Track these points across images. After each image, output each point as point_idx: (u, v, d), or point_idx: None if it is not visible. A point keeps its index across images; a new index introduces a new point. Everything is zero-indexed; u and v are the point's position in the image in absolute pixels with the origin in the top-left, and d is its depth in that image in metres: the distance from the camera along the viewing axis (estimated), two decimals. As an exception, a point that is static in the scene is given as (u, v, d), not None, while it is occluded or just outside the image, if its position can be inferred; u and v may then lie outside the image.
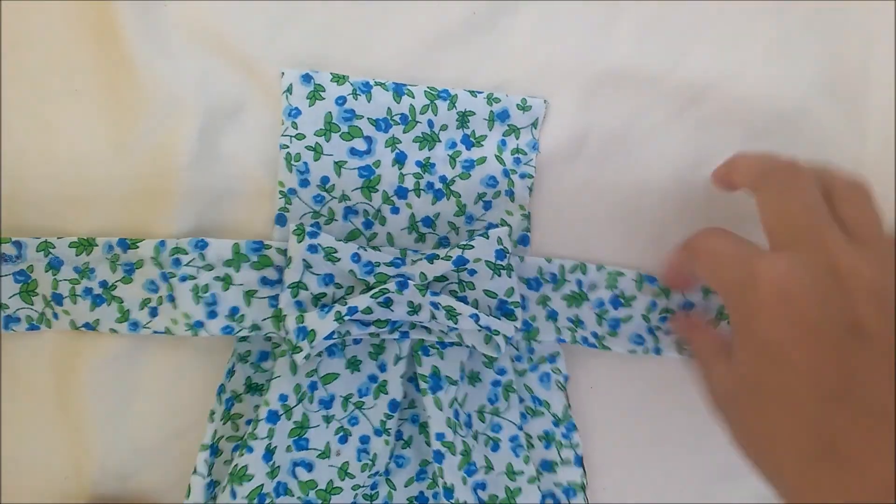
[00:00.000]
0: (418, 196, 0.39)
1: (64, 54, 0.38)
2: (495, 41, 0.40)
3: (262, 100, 0.39)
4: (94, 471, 0.39)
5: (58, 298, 0.37)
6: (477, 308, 0.37)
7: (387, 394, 0.38)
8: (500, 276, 0.37)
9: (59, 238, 0.37)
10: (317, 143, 0.38)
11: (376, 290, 0.35)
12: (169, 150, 0.38)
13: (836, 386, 0.28)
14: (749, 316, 0.30)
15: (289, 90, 0.38)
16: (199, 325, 0.37)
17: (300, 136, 0.38)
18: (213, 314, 0.37)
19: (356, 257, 0.36)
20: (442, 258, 0.36)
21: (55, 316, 0.38)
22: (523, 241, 0.40)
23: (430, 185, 0.39)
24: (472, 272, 0.37)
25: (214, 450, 0.38)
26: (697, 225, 0.39)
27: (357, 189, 0.38)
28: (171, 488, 0.40)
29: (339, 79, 0.38)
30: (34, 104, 0.38)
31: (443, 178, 0.39)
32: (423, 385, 0.37)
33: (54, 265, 0.37)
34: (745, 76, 0.42)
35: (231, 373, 0.38)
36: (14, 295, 0.37)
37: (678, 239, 0.38)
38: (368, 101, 0.38)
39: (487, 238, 0.37)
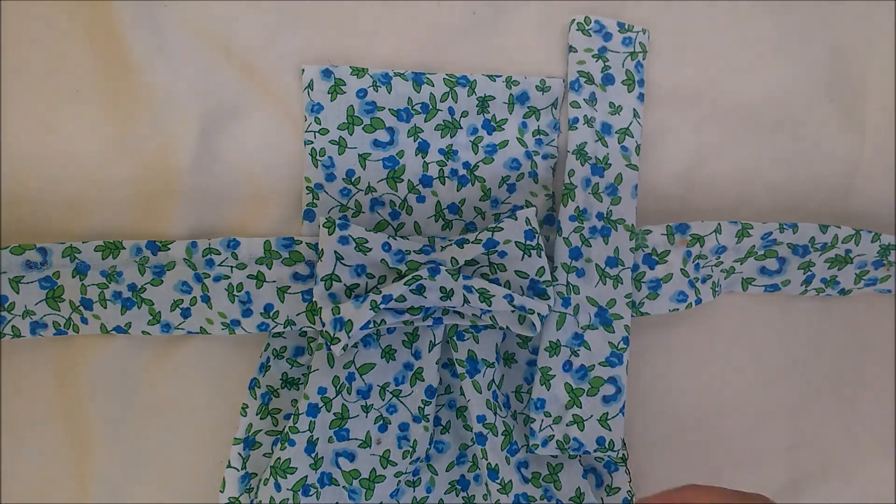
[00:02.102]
0: (443, 183, 0.39)
1: (64, 54, 0.38)
2: (495, 42, 0.40)
3: (262, 100, 0.39)
4: (95, 474, 0.39)
5: (87, 303, 0.37)
6: (509, 290, 0.37)
7: (423, 381, 0.38)
8: (530, 256, 0.37)
9: (84, 242, 0.37)
10: (340, 136, 0.38)
11: (409, 277, 0.36)
12: (169, 151, 0.39)
13: None
14: None
15: (310, 86, 0.38)
16: (236, 323, 0.37)
17: (324, 131, 0.38)
18: (248, 312, 0.37)
19: (387, 246, 0.37)
20: (472, 242, 0.37)
21: (84, 321, 0.38)
22: (548, 220, 0.40)
23: (454, 172, 0.39)
24: (503, 254, 0.37)
25: (248, 443, 0.38)
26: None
27: (382, 180, 0.38)
28: (173, 489, 0.40)
29: (358, 72, 0.38)
30: (34, 104, 0.38)
31: (466, 164, 0.39)
32: (460, 370, 0.37)
33: (81, 270, 0.37)
34: (746, 76, 0.42)
35: (264, 368, 0.39)
36: (40, 301, 0.37)
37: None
38: (389, 93, 0.38)
39: (515, 219, 0.37)
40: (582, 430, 0.37)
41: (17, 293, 0.37)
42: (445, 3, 0.40)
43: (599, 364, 0.38)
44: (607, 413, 0.38)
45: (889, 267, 0.42)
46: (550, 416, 0.37)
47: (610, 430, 0.38)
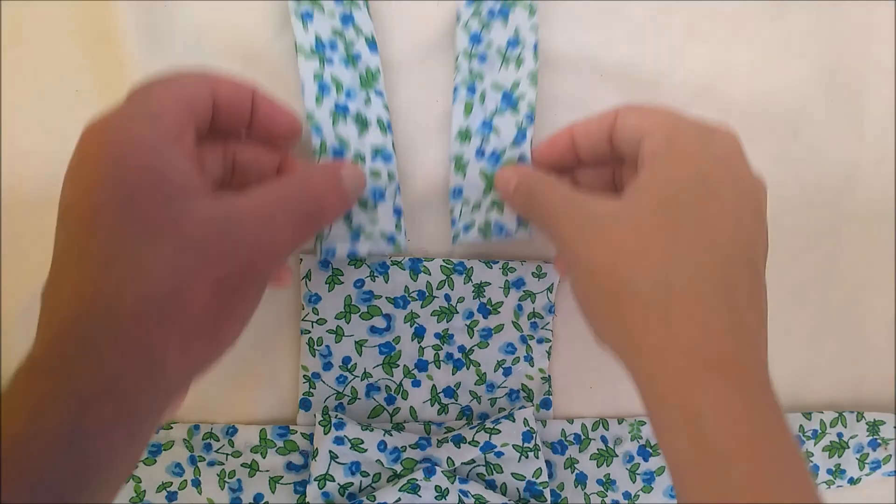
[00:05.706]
0: (438, 367, 0.39)
1: (64, 54, 0.37)
2: None
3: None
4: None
5: None
6: (505, 492, 0.37)
7: None
8: (527, 457, 0.37)
9: None
10: (338, 325, 0.37)
11: (404, 481, 0.36)
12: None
13: None
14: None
15: (307, 276, 0.37)
16: None
17: (321, 321, 0.37)
18: (237, 501, 0.37)
19: (382, 445, 0.36)
20: (469, 443, 0.37)
21: None
22: (545, 404, 0.40)
23: (449, 356, 0.39)
24: (499, 454, 0.37)
25: None
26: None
27: (378, 366, 0.38)
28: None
29: (356, 263, 0.37)
30: (34, 104, 0.37)
31: (461, 348, 0.39)
32: None
33: None
34: (745, 76, 0.42)
35: None
36: None
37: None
38: (386, 282, 0.38)
39: (513, 420, 0.37)
40: (501, 214, 0.37)
41: None
42: (445, 2, 0.39)
43: (509, 147, 0.37)
44: None
45: (885, 446, 0.42)
46: (469, 203, 0.37)
47: None
